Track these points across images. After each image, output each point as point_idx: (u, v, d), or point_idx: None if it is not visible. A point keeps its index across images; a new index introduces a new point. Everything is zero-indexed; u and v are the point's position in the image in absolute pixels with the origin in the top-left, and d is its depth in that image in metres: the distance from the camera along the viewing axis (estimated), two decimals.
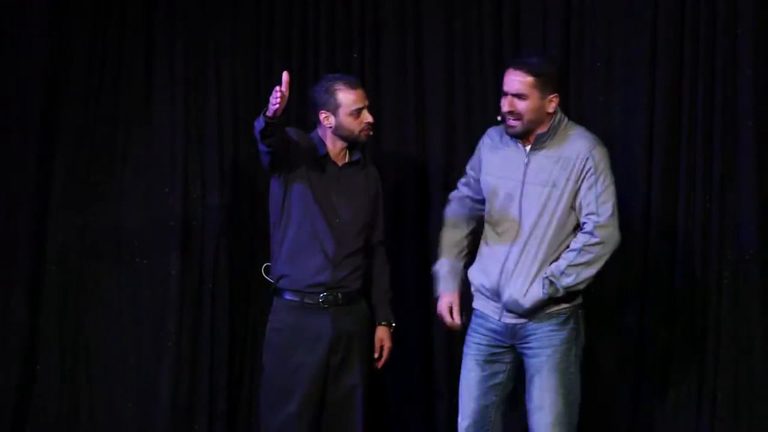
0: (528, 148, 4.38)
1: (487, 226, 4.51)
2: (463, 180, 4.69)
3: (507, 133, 4.40)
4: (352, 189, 4.75)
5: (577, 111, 5.16)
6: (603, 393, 5.06)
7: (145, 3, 5.61)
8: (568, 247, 4.34)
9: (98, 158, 5.58)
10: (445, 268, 4.64)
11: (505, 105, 4.34)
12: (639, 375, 5.05)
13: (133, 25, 5.60)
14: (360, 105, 4.68)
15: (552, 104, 4.35)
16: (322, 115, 4.72)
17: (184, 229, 5.48)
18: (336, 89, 4.69)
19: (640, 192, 5.02)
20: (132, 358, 5.53)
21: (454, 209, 4.69)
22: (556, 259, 4.34)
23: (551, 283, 4.30)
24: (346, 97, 4.67)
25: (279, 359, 4.70)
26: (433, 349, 5.32)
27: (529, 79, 4.31)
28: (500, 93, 4.42)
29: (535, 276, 4.33)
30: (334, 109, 4.69)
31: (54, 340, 5.55)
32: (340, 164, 4.76)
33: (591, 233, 4.29)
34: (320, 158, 4.73)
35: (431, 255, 5.09)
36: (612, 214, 4.32)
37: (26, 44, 5.52)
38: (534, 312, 4.36)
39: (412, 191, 5.40)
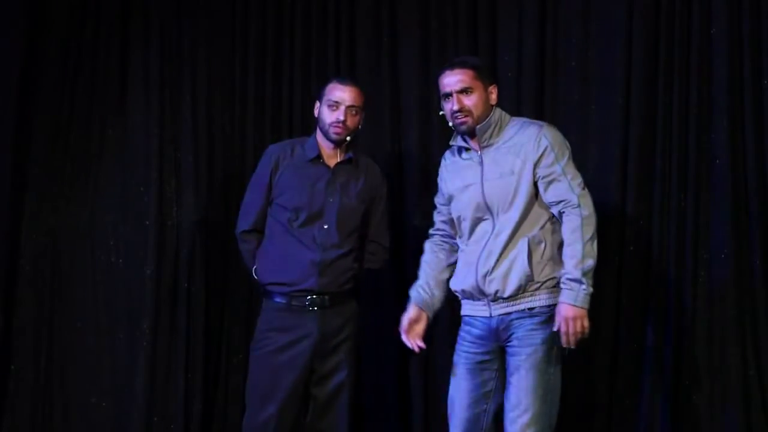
0: (479, 150, 4.37)
1: (461, 242, 4.43)
2: (436, 217, 4.57)
3: (459, 132, 4.39)
4: (341, 190, 4.71)
5: (552, 109, 5.18)
6: (578, 392, 5.06)
7: (121, 3, 5.60)
8: (547, 217, 4.28)
9: (73, 158, 5.57)
10: (417, 282, 4.53)
11: (454, 104, 4.33)
12: (613, 374, 5.05)
13: (108, 25, 5.59)
14: (338, 99, 4.64)
15: (493, 95, 4.38)
16: (315, 107, 4.74)
17: (159, 229, 5.47)
18: (330, 83, 4.72)
19: (616, 191, 5.02)
20: (107, 358, 5.51)
21: (427, 260, 4.54)
22: (538, 239, 4.25)
23: (573, 281, 4.14)
24: (332, 89, 4.68)
25: (263, 359, 4.69)
26: (409, 357, 5.26)
27: (471, 72, 4.34)
28: (440, 100, 4.40)
29: (514, 248, 4.24)
30: (320, 99, 4.71)
31: (29, 340, 5.52)
32: (332, 165, 4.73)
33: (579, 206, 4.21)
34: (311, 161, 4.72)
35: (404, 259, 5.13)
36: (582, 182, 4.28)
37: (0, 44, 5.50)
38: (519, 291, 4.23)
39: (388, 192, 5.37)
